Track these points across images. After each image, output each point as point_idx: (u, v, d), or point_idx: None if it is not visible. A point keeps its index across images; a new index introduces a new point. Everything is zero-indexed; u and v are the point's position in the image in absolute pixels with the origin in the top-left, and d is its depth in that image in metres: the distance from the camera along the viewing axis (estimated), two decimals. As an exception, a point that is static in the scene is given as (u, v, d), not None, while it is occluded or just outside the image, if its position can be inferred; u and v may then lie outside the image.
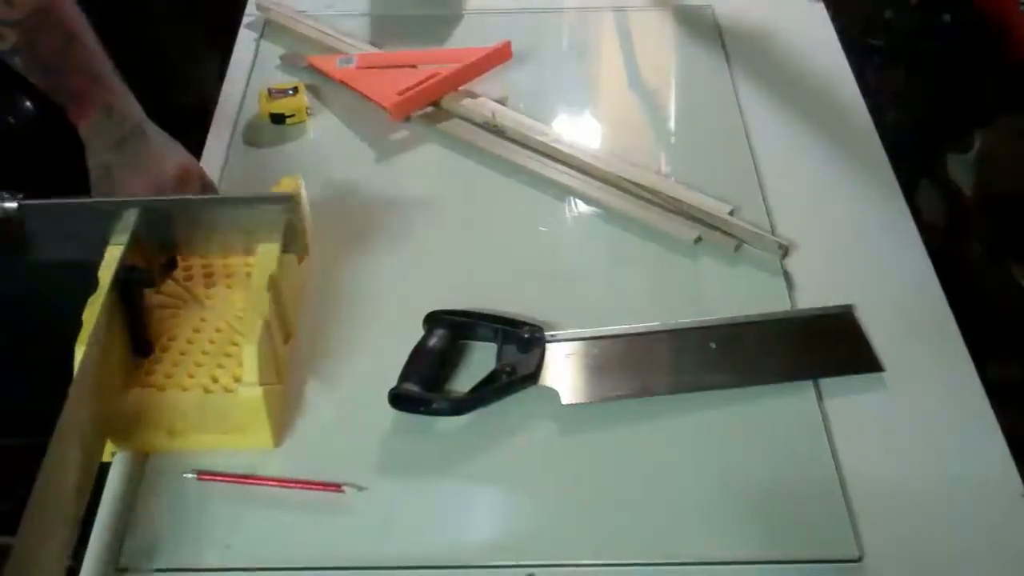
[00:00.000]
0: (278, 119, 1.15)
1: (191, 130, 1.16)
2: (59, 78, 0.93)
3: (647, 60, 1.30)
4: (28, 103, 1.29)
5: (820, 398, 0.87)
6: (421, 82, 1.16)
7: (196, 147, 1.13)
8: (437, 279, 0.99)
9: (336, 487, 0.81)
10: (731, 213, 1.03)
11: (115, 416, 0.82)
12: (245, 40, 1.30)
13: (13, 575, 0.64)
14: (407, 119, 1.16)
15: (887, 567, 0.76)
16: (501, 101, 1.18)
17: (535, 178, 1.10)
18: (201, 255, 0.95)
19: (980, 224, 1.38)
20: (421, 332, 0.90)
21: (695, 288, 0.99)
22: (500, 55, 1.21)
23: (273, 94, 1.15)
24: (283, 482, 0.81)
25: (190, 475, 0.81)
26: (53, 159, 1.23)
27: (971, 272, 1.34)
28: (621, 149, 1.13)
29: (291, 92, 1.15)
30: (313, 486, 0.81)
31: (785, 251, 0.99)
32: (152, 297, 0.91)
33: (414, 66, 1.20)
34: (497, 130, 1.14)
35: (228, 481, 0.81)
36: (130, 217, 0.87)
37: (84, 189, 0.94)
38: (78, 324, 0.79)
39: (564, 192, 1.08)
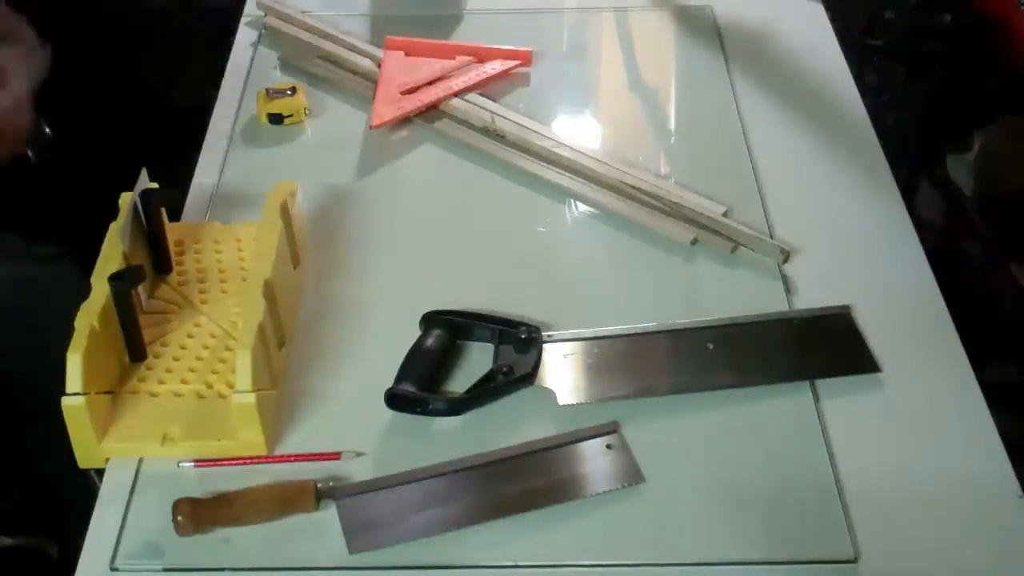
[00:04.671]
0: (276, 119, 1.15)
1: (190, 129, 1.17)
2: None
3: (646, 60, 1.30)
4: (47, 129, 1.29)
5: (817, 399, 0.87)
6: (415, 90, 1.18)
7: (195, 146, 1.13)
8: (434, 279, 0.99)
9: (335, 455, 0.82)
10: (725, 214, 1.03)
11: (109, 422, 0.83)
12: (244, 39, 1.30)
13: None
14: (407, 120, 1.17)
15: (883, 568, 0.76)
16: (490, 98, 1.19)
17: (533, 179, 1.10)
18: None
19: (980, 224, 1.38)
20: (418, 332, 0.90)
21: (693, 290, 0.99)
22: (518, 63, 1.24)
23: (271, 94, 1.15)
24: (281, 458, 0.82)
25: (187, 463, 0.82)
26: (69, 191, 1.24)
27: (971, 272, 1.34)
28: (620, 149, 1.13)
29: (289, 92, 1.15)
30: (311, 457, 0.82)
31: (787, 256, 0.99)
32: (147, 302, 0.91)
33: (453, 58, 1.23)
34: (496, 134, 1.14)
35: (226, 465, 0.82)
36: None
37: (98, 221, 0.92)
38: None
39: (562, 194, 1.08)
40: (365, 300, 0.97)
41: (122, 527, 0.79)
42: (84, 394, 0.79)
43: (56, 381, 0.79)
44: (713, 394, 0.87)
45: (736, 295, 0.97)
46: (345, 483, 0.80)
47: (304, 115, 1.16)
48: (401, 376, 0.86)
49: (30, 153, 1.26)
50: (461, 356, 0.91)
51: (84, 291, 0.84)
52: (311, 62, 1.25)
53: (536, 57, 1.26)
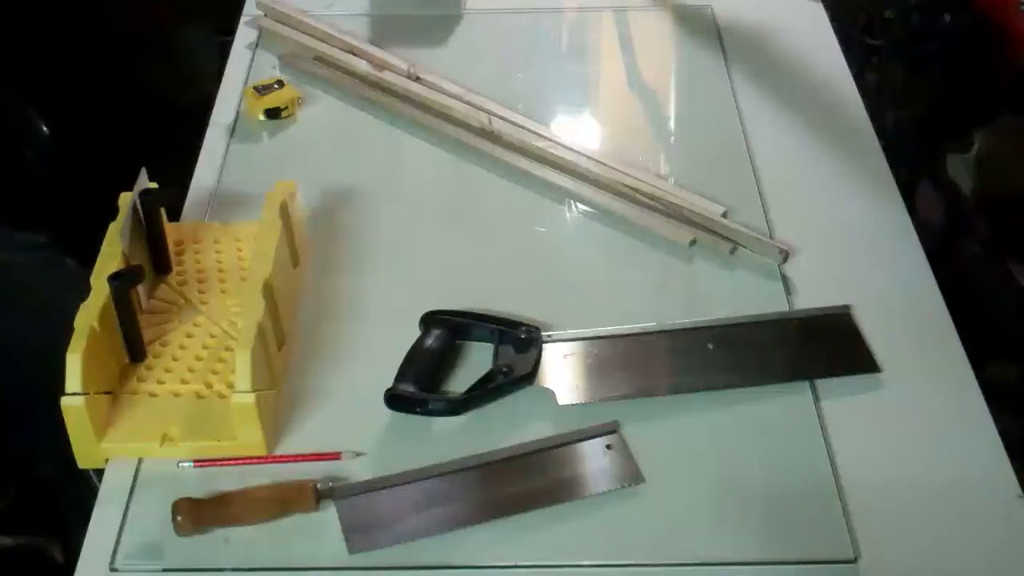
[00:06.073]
0: (273, 114, 1.15)
1: (191, 129, 1.17)
2: None
3: (646, 60, 1.30)
4: (44, 127, 1.29)
5: (817, 398, 0.87)
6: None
7: (195, 146, 1.13)
8: (434, 279, 0.98)
9: (335, 455, 0.82)
10: (724, 215, 1.03)
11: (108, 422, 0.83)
12: (243, 39, 1.30)
13: None
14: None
15: (883, 568, 0.76)
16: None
17: (532, 180, 1.09)
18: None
19: (980, 224, 1.38)
20: (418, 332, 0.90)
21: (692, 290, 0.99)
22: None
23: (260, 91, 1.16)
24: (281, 458, 0.82)
25: (187, 464, 0.82)
26: (68, 189, 1.24)
27: (970, 272, 1.33)
28: (619, 150, 1.13)
29: (276, 86, 1.16)
30: (311, 457, 0.82)
31: (785, 256, 0.98)
32: (146, 302, 0.91)
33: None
34: (493, 136, 1.14)
35: (225, 465, 0.82)
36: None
37: (96, 219, 0.92)
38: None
39: (561, 194, 1.08)
40: (365, 300, 0.97)
41: (121, 527, 0.79)
42: (83, 394, 0.79)
43: (49, 369, 0.78)
44: (713, 394, 0.87)
45: (735, 295, 0.97)
46: (345, 483, 0.80)
47: (297, 106, 1.17)
48: (401, 376, 0.86)
49: (27, 152, 1.26)
50: (461, 356, 0.91)
51: (76, 280, 0.84)
52: (310, 62, 1.25)
53: (537, 57, 1.25)
